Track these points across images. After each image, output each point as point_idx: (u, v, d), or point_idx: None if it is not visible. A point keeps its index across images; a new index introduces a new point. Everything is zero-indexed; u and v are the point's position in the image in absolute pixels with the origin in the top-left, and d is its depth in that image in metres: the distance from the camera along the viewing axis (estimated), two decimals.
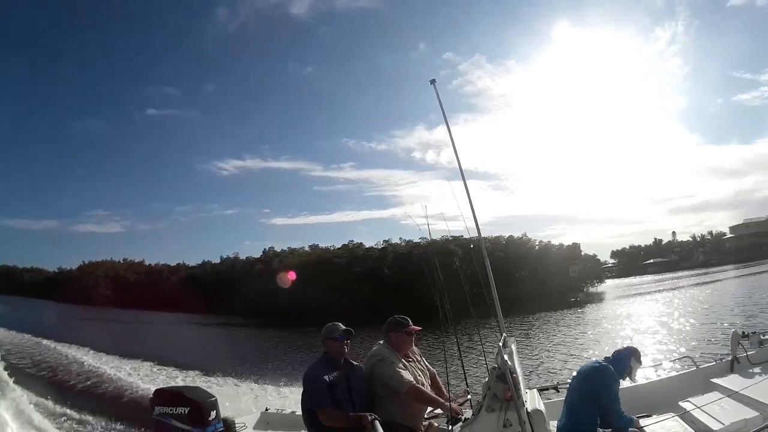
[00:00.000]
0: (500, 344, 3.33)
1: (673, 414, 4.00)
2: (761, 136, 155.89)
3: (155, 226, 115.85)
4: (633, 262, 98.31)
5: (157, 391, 4.22)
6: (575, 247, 63.15)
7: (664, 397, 4.53)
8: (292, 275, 49.13)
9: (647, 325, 21.90)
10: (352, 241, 63.27)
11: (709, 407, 4.02)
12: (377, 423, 3.29)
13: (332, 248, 61.45)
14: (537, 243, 61.97)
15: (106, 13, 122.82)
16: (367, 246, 61.51)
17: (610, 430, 3.66)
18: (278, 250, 65.75)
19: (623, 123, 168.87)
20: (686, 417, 4.02)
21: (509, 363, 3.11)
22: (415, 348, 4.20)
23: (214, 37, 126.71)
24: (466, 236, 4.83)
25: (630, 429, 3.63)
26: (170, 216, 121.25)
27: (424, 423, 3.93)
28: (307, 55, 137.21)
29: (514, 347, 3.63)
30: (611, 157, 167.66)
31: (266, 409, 5.27)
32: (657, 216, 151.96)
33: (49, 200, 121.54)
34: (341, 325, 3.86)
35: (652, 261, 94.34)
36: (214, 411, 4.16)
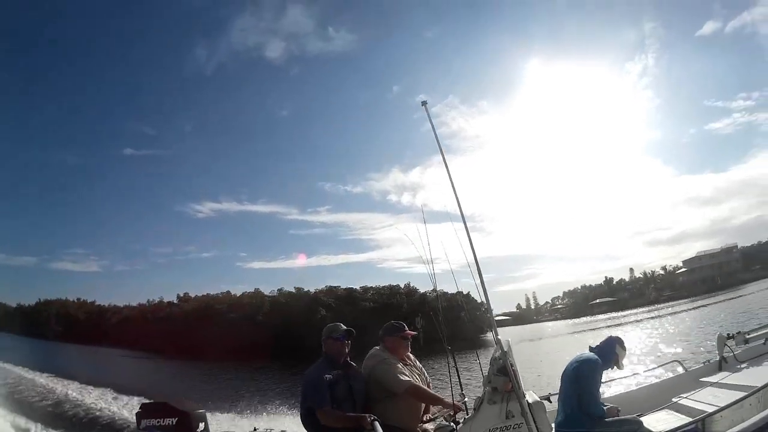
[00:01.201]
0: (498, 337, 3.48)
1: (666, 408, 4.11)
2: (735, 163, 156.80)
3: (133, 267, 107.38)
4: (584, 302, 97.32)
5: (143, 405, 4.04)
6: (460, 295, 62.47)
7: (657, 399, 4.58)
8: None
9: None
10: (258, 288, 67.65)
11: (702, 396, 4.13)
12: (377, 424, 3.27)
13: (234, 295, 66.81)
14: (425, 293, 59.15)
15: (83, 48, 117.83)
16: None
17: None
18: (192, 295, 69.13)
19: (600, 159, 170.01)
20: (681, 409, 4.12)
21: (509, 356, 3.29)
22: (410, 354, 4.24)
23: (193, 77, 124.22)
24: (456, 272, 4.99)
25: (606, 419, 3.77)
26: (149, 257, 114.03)
27: (420, 427, 3.88)
28: (283, 98, 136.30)
29: (510, 345, 3.81)
30: (590, 194, 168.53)
31: (254, 429, 5.03)
32: (635, 250, 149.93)
33: (28, 236, 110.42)
34: (342, 325, 3.89)
35: (597, 301, 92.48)
36: (203, 423, 4.02)
